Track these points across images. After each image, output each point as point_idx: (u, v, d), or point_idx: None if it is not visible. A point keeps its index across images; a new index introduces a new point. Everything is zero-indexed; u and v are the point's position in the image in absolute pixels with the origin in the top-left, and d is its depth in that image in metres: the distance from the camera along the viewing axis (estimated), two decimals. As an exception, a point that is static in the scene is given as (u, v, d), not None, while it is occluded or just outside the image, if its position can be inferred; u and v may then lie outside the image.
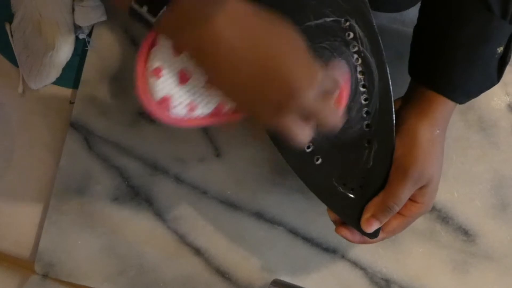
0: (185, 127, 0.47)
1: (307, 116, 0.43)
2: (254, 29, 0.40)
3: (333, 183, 0.54)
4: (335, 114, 0.45)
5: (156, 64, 0.44)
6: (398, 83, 0.55)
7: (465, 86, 0.53)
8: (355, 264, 0.68)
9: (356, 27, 0.50)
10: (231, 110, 0.47)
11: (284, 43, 0.41)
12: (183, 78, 0.45)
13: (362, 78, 0.51)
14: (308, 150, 0.54)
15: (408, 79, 0.57)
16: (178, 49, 0.44)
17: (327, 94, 0.44)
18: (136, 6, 0.39)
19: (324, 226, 0.66)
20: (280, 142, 0.54)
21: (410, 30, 0.57)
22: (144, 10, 0.39)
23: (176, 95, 0.45)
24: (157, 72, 0.44)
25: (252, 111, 0.43)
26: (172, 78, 0.45)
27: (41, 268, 0.69)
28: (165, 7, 0.39)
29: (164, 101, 0.45)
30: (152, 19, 0.39)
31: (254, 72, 0.40)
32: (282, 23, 0.42)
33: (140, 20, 0.40)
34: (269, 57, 0.40)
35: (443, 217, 0.68)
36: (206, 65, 0.42)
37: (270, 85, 0.40)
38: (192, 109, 0.46)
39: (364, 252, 0.68)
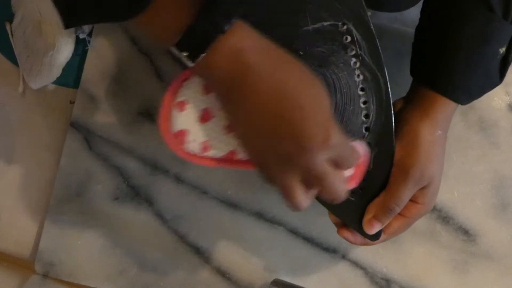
0: (195, 164, 0.47)
1: (311, 181, 0.42)
2: (282, 77, 0.40)
3: None
4: (340, 186, 0.43)
5: (183, 97, 0.46)
6: (399, 83, 0.55)
7: (466, 87, 0.53)
8: (356, 264, 0.68)
9: (354, 30, 0.49)
10: (242, 159, 0.48)
11: (308, 97, 0.41)
12: (205, 117, 0.46)
13: (360, 81, 0.51)
14: None
15: (408, 78, 0.57)
16: (208, 89, 0.46)
17: (339, 165, 0.43)
18: (175, 51, 0.40)
19: (325, 226, 0.66)
20: None
21: (410, 30, 0.57)
22: (183, 55, 0.40)
23: (193, 131, 0.46)
24: (181, 105, 0.46)
25: (259, 162, 0.43)
26: (194, 114, 0.46)
27: (41, 267, 0.69)
28: (203, 54, 0.40)
29: (181, 135, 0.46)
30: (189, 63, 0.40)
31: (273, 120, 0.40)
32: (313, 78, 0.42)
33: (177, 60, 0.41)
34: (289, 108, 0.40)
35: (444, 217, 0.68)
36: (230, 107, 0.42)
37: (282, 136, 0.40)
38: (205, 148, 0.47)
39: (364, 252, 0.68)
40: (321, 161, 0.41)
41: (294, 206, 0.43)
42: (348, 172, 0.50)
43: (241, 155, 0.48)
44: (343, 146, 0.43)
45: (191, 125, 0.46)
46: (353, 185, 0.51)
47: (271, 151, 0.41)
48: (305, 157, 0.40)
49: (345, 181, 0.46)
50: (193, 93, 0.46)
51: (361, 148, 0.49)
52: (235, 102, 0.41)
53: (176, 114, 0.46)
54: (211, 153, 0.47)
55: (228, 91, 0.41)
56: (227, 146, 0.47)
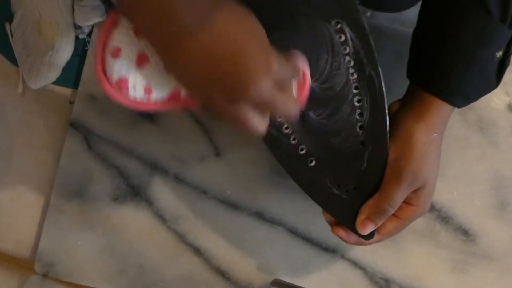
0: (142, 110, 0.46)
1: (261, 107, 0.42)
2: (212, 15, 0.39)
3: (327, 185, 0.54)
4: (291, 103, 0.43)
5: (115, 44, 0.44)
6: (398, 83, 0.55)
7: (463, 90, 0.53)
8: (355, 263, 0.68)
9: (347, 29, 0.49)
10: (188, 96, 0.46)
11: (241, 30, 0.40)
12: (141, 61, 0.45)
13: (354, 80, 0.51)
14: (301, 152, 0.54)
15: (407, 79, 0.57)
16: (137, 32, 0.44)
17: (284, 83, 0.43)
18: None
19: (324, 226, 0.66)
20: (273, 144, 0.54)
21: (409, 30, 0.57)
22: None
23: (132, 77, 0.45)
24: (115, 53, 0.44)
25: (204, 100, 0.42)
26: (130, 60, 0.44)
27: (41, 268, 0.69)
28: None
29: (120, 83, 0.45)
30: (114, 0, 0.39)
31: (207, 57, 0.39)
32: (242, 12, 0.41)
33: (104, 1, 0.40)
34: (224, 43, 0.39)
35: (443, 217, 0.68)
36: (160, 50, 0.41)
37: (221, 72, 0.39)
38: (148, 92, 0.45)
39: (364, 252, 0.68)
40: (266, 88, 0.40)
41: (252, 132, 0.42)
42: (294, 86, 0.49)
43: (185, 91, 0.46)
44: (284, 67, 0.42)
45: (129, 71, 0.44)
46: (305, 94, 0.49)
47: (214, 89, 0.40)
48: (250, 89, 0.39)
49: (294, 96, 0.45)
50: (125, 38, 0.44)
51: (298, 59, 0.47)
52: (164, 44, 0.40)
53: (111, 62, 0.44)
54: (154, 95, 0.46)
55: (155, 33, 0.40)
56: (169, 85, 0.46)
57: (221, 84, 0.40)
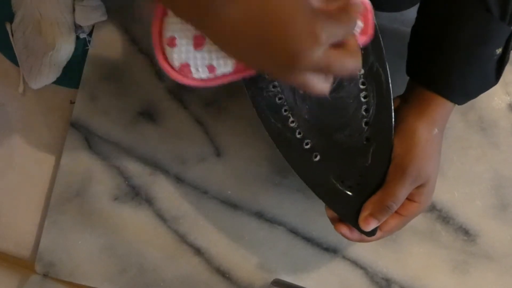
0: (214, 86, 0.46)
1: (322, 69, 0.40)
2: None
3: (331, 180, 0.54)
4: (351, 61, 0.41)
5: (169, 33, 0.45)
6: (398, 83, 0.55)
7: (463, 87, 0.53)
8: (356, 263, 0.68)
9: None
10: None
11: (279, 4, 0.38)
12: (198, 43, 0.45)
13: (361, 75, 0.51)
14: (306, 147, 0.54)
15: (407, 79, 0.57)
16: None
17: (341, 42, 0.41)
18: None
19: (325, 225, 0.66)
20: (278, 138, 0.54)
21: (410, 30, 0.57)
22: None
23: (193, 60, 0.45)
24: (171, 41, 0.45)
25: (264, 70, 0.42)
26: (187, 45, 0.45)
27: (41, 267, 0.69)
28: None
29: (184, 68, 0.46)
30: None
31: (254, 38, 0.39)
32: None
33: None
34: (267, 17, 0.38)
35: (444, 217, 0.68)
36: (204, 29, 0.41)
37: (272, 47, 0.39)
38: (212, 70, 0.46)
39: (364, 252, 0.68)
40: (320, 55, 0.39)
41: (317, 93, 0.41)
42: (358, 28, 0.46)
43: None
44: (336, 28, 0.40)
45: (189, 55, 0.45)
46: (369, 36, 0.47)
47: (269, 63, 0.40)
48: (303, 61, 0.38)
49: (356, 45, 0.43)
50: (177, 25, 0.45)
51: (355, 5, 0.44)
52: (208, 28, 0.40)
53: (170, 51, 0.45)
54: (220, 71, 0.46)
55: (198, 18, 0.40)
56: (231, 60, 0.46)
57: (272, 59, 0.39)
